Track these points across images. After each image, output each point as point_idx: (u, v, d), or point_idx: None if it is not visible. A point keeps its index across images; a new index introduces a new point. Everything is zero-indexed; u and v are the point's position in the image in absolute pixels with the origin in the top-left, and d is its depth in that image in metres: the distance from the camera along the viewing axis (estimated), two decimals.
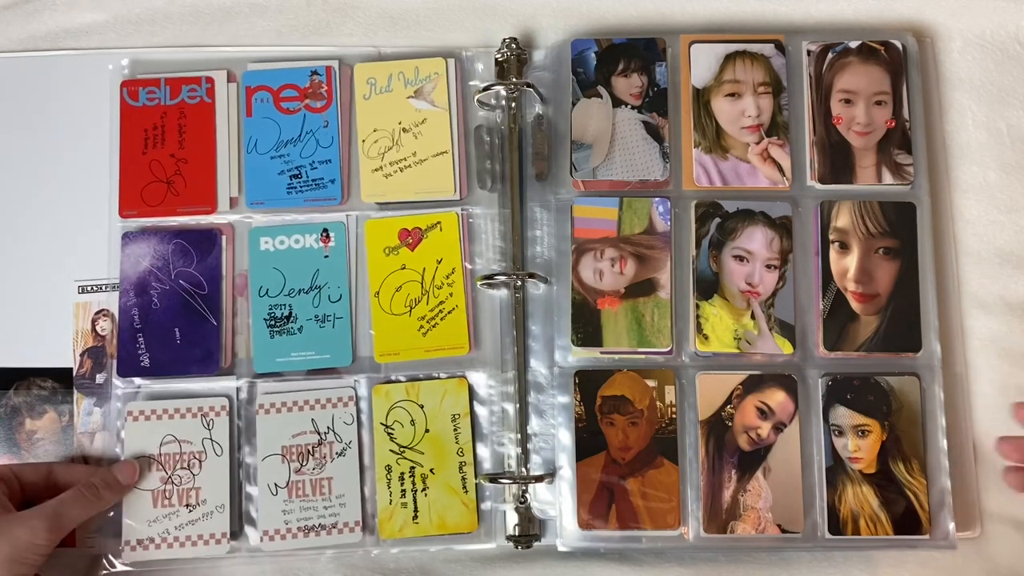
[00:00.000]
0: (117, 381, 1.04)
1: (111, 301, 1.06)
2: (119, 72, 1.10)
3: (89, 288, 1.07)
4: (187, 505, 1.02)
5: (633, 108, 1.06)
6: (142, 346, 1.04)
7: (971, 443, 1.04)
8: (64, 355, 1.06)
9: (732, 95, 1.06)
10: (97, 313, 1.06)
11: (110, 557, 1.02)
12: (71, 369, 1.06)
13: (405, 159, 1.07)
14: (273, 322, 1.05)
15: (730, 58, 1.07)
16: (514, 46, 1.07)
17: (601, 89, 1.06)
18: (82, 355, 1.06)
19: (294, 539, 1.01)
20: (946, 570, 1.02)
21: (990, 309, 1.07)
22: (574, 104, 1.06)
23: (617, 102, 1.06)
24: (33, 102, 1.11)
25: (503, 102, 1.08)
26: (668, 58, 1.07)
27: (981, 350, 1.07)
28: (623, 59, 1.07)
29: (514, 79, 1.07)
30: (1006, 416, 1.05)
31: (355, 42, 1.12)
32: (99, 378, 1.05)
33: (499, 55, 1.07)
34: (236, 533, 1.02)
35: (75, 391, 1.06)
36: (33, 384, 1.06)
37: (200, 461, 1.03)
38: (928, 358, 1.02)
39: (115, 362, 1.05)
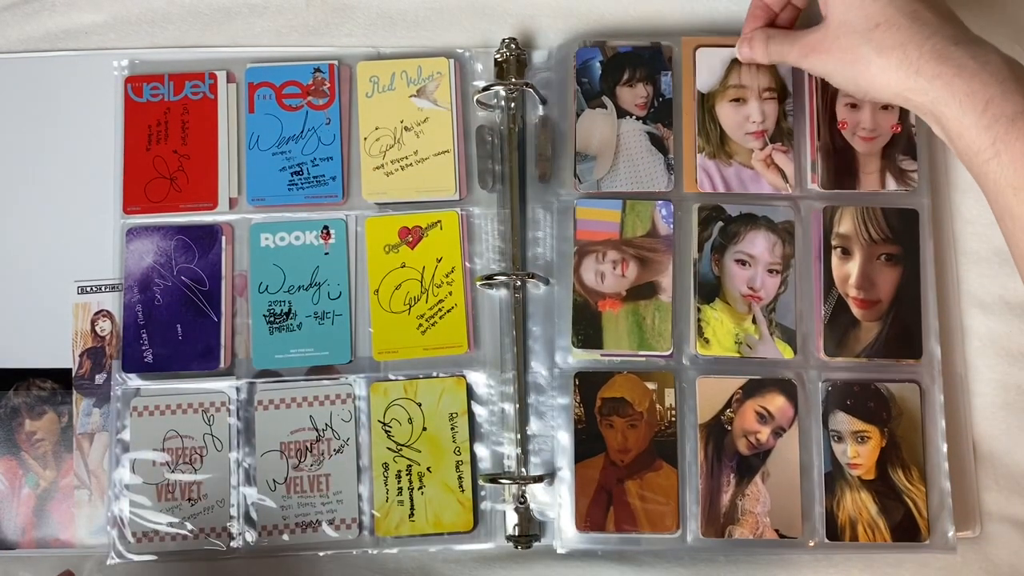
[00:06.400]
0: (118, 376, 1.04)
1: (111, 302, 1.07)
2: (121, 72, 1.10)
3: (89, 289, 1.07)
4: (189, 499, 1.02)
5: (638, 119, 1.06)
6: (145, 342, 1.05)
7: (971, 443, 1.05)
8: (63, 356, 1.06)
9: (737, 100, 1.05)
10: (96, 314, 1.06)
11: (115, 550, 1.02)
12: (70, 370, 1.06)
13: (406, 157, 1.07)
14: (272, 319, 1.05)
15: (735, 62, 1.06)
16: (513, 46, 1.07)
17: (606, 99, 1.06)
18: (81, 356, 1.06)
19: (292, 535, 1.02)
20: (946, 570, 1.03)
21: (990, 309, 1.07)
22: (578, 115, 1.06)
23: (622, 113, 1.06)
24: (31, 104, 1.10)
25: (502, 102, 1.07)
26: (672, 62, 1.06)
27: (981, 350, 1.07)
28: (628, 68, 1.06)
29: (513, 79, 1.06)
30: (1006, 416, 1.05)
31: (354, 42, 1.11)
32: (98, 379, 1.06)
33: (498, 55, 1.07)
34: (234, 532, 1.03)
35: (74, 392, 1.06)
36: (32, 385, 1.06)
37: (201, 456, 1.03)
38: (928, 361, 1.02)
39: (118, 359, 1.05)
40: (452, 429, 1.03)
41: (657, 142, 1.05)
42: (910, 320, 1.02)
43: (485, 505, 1.03)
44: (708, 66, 1.06)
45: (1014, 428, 1.05)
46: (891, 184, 1.04)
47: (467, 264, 1.06)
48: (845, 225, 1.03)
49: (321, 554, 1.03)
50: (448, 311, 1.05)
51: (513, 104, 1.07)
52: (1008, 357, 1.06)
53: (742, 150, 1.05)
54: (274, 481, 1.03)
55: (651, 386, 1.02)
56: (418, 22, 1.12)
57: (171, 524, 1.02)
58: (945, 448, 1.01)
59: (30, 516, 1.05)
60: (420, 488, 1.03)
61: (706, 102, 1.06)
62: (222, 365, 1.05)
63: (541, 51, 1.10)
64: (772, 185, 1.04)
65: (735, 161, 1.05)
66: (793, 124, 1.05)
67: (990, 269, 1.08)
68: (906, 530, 0.99)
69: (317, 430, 1.03)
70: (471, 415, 1.04)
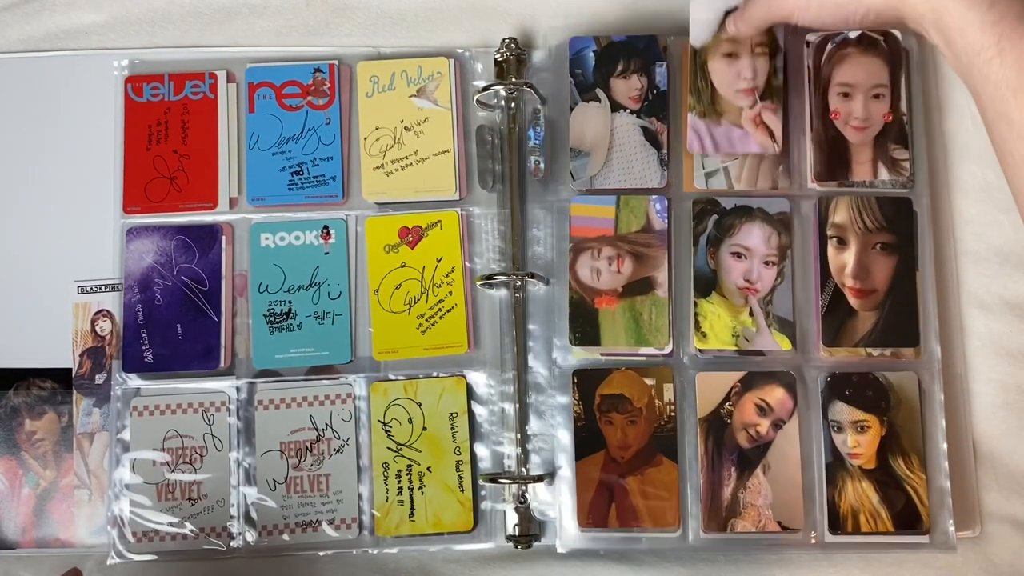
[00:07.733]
0: (118, 376, 1.05)
1: (111, 301, 1.07)
2: (121, 72, 1.10)
3: (89, 288, 1.07)
4: (189, 499, 1.02)
5: (632, 113, 1.05)
6: (145, 342, 1.05)
7: (971, 442, 1.04)
8: (63, 356, 1.07)
9: (730, 55, 1.05)
10: (96, 313, 1.07)
11: (115, 550, 1.02)
12: (70, 370, 1.06)
13: (406, 157, 1.07)
14: (272, 318, 1.05)
15: (729, 14, 1.01)
16: (513, 46, 1.07)
17: (599, 92, 1.06)
18: (81, 355, 1.06)
19: (292, 534, 1.02)
20: (946, 569, 1.02)
21: (989, 308, 1.07)
22: (572, 108, 1.06)
23: (616, 106, 1.06)
24: (31, 104, 1.11)
25: (502, 102, 1.08)
26: (668, 52, 1.06)
27: (981, 349, 1.06)
28: (622, 59, 1.06)
29: (513, 79, 1.07)
30: (1006, 416, 1.05)
31: (354, 42, 1.12)
32: (98, 378, 1.06)
33: (498, 55, 1.07)
34: (234, 532, 1.03)
35: (74, 391, 1.06)
36: (33, 385, 1.06)
37: (201, 456, 1.03)
38: (928, 359, 1.02)
39: (118, 359, 1.05)
40: (452, 429, 1.03)
41: (651, 136, 1.05)
42: (906, 309, 1.02)
43: (485, 505, 1.03)
44: (702, 18, 1.02)
45: (1014, 428, 1.05)
46: (883, 173, 1.04)
47: (467, 264, 1.07)
48: (840, 215, 1.03)
49: (321, 554, 1.03)
50: (448, 311, 1.05)
51: (513, 104, 1.07)
52: (1008, 357, 1.06)
53: (732, 108, 1.04)
54: (274, 481, 1.03)
55: (649, 382, 1.01)
56: (418, 22, 1.12)
57: (171, 524, 1.02)
58: (945, 447, 1.01)
59: (30, 516, 1.05)
60: (420, 488, 1.02)
61: (698, 57, 1.05)
62: (222, 365, 1.05)
63: (541, 51, 1.10)
64: (760, 144, 1.04)
65: (725, 120, 1.04)
66: (783, 83, 1.05)
67: (990, 269, 1.08)
68: (908, 519, 0.99)
69: (317, 430, 1.03)
70: (471, 415, 1.04)
